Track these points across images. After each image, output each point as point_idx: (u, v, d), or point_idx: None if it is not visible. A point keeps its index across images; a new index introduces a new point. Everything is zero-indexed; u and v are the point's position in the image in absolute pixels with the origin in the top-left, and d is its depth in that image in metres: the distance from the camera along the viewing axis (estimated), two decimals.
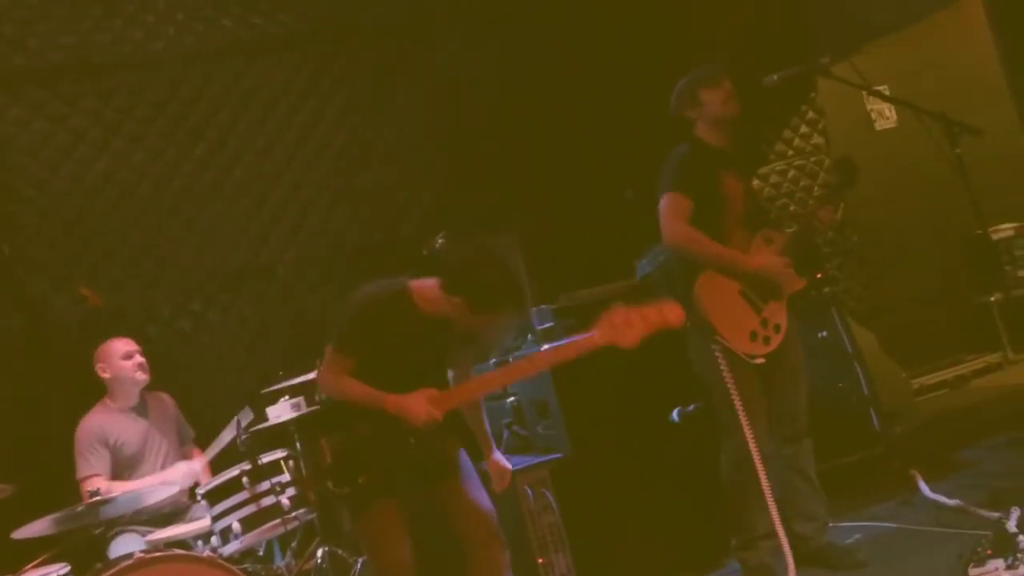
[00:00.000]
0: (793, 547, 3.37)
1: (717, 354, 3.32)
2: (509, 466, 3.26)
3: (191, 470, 4.18)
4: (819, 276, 4.63)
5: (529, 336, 4.25)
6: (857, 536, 3.72)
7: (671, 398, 3.92)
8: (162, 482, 4.01)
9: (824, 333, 4.51)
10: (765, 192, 6.05)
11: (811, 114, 6.23)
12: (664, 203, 3.41)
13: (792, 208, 6.11)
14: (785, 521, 3.39)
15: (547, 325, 4.16)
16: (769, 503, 3.28)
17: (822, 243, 5.85)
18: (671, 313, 2.73)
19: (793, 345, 3.50)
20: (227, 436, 4.07)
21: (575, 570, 3.73)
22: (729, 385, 3.29)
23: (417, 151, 5.54)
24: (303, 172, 5.32)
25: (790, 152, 6.21)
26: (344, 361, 2.97)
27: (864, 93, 5.88)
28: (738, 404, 3.28)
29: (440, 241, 4.38)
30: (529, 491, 3.71)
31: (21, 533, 3.46)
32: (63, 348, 4.62)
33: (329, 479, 3.03)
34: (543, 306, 4.22)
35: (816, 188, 6.14)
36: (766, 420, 3.41)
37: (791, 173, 6.21)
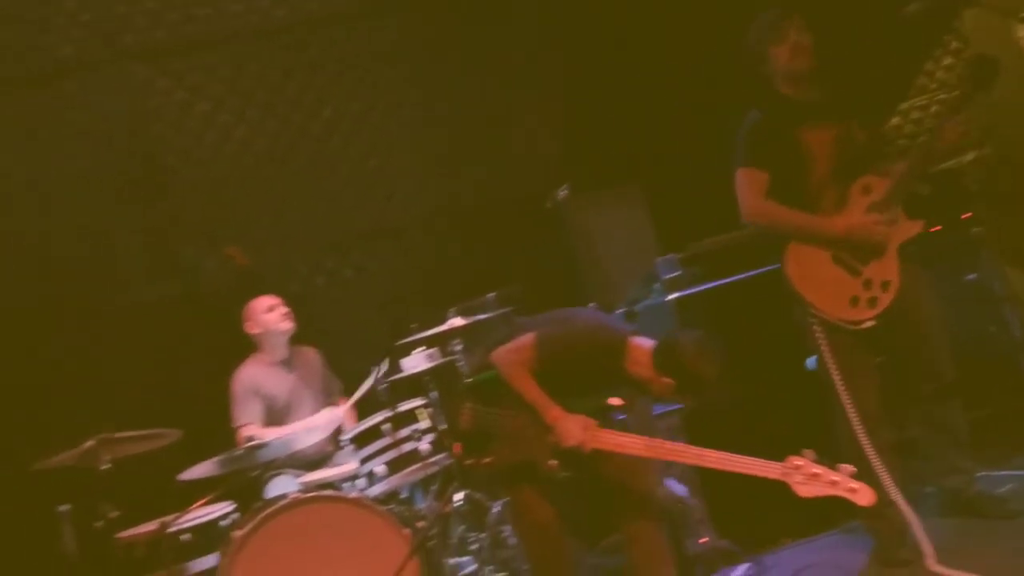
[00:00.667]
0: (946, 501, 3.35)
1: (815, 327, 3.25)
2: None
3: (333, 415, 4.42)
4: (933, 226, 4.14)
5: (656, 285, 4.32)
6: (1010, 486, 3.65)
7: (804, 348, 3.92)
8: (307, 427, 4.28)
9: (973, 275, 4.38)
10: (906, 129, 5.84)
11: (955, 44, 5.96)
12: (737, 180, 3.33)
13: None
14: (937, 477, 3.37)
15: (674, 274, 4.20)
16: (881, 475, 3.16)
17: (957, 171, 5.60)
18: (861, 496, 2.75)
19: (915, 298, 3.30)
20: (367, 386, 4.34)
21: (709, 517, 3.83)
22: (828, 360, 3.22)
23: (538, 106, 5.63)
24: (427, 132, 5.51)
25: (932, 86, 5.96)
26: (532, 360, 3.19)
27: (1014, 21, 5.56)
28: (838, 381, 3.20)
29: (562, 193, 4.49)
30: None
31: (188, 475, 3.82)
32: (215, 306, 5.01)
33: (460, 443, 3.26)
34: (669, 255, 4.27)
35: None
36: (875, 391, 3.30)
37: (933, 108, 5.97)
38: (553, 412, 3.14)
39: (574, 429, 3.10)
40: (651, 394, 3.21)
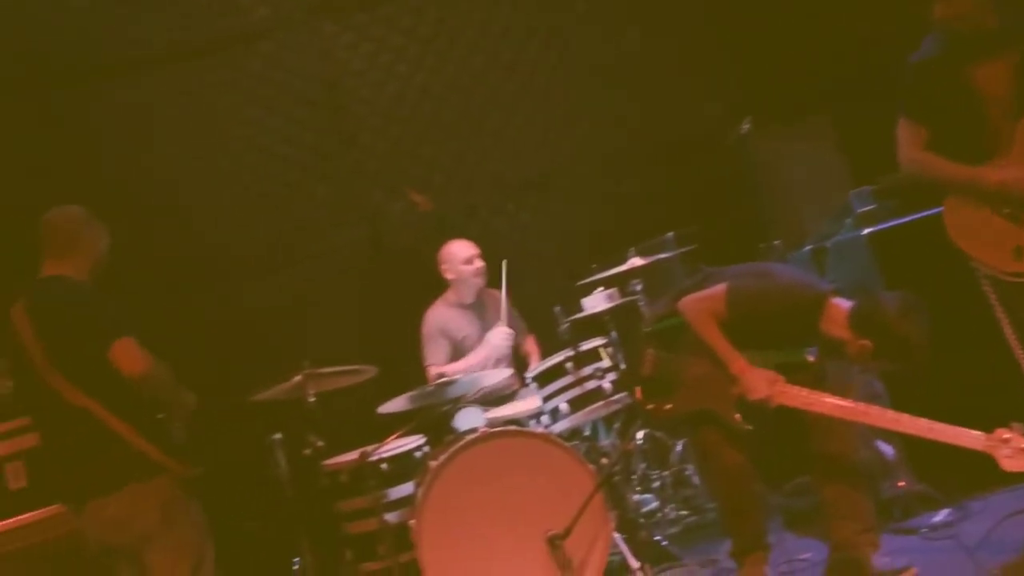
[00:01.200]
0: None
1: (983, 280, 3.11)
2: None
3: (505, 332, 4.53)
4: None
5: (847, 220, 4.21)
6: None
7: None
8: (486, 354, 4.49)
9: None
10: None
11: None
12: (898, 130, 3.19)
13: None
14: None
15: (867, 208, 4.08)
16: None
17: None
18: None
19: None
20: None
21: (906, 461, 3.76)
22: (1000, 317, 3.09)
23: (718, 39, 5.52)
24: (607, 70, 5.51)
25: None
26: (722, 311, 3.19)
27: None
28: (1012, 340, 3.08)
29: (745, 127, 4.42)
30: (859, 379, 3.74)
31: (386, 408, 4.10)
32: (400, 249, 5.30)
33: (640, 387, 3.31)
34: (862, 188, 4.14)
35: None
36: None
37: None
38: (739, 364, 3.15)
39: (760, 383, 3.10)
40: (846, 356, 3.13)
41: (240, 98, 5.25)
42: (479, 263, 4.66)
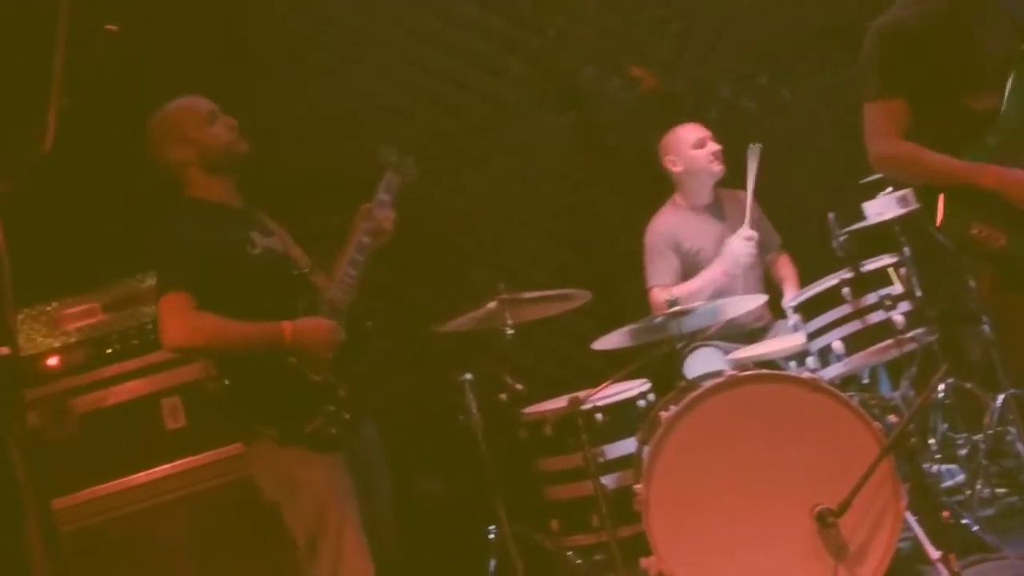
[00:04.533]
0: None
1: None
2: None
3: (747, 236, 4.40)
4: None
5: None
6: None
7: None
8: (722, 270, 4.39)
9: None
10: None
11: None
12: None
13: None
14: None
15: None
16: None
17: None
18: None
19: None
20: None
21: None
22: None
23: None
24: None
25: None
26: None
27: None
28: None
29: None
30: None
31: (601, 344, 4.09)
32: (616, 141, 5.20)
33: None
34: None
35: None
36: None
37: None
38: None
39: None
40: None
41: None
42: (713, 145, 4.59)
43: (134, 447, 3.94)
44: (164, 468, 3.94)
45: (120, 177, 4.15)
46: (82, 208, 4.25)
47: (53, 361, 3.94)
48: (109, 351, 3.99)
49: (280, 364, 3.09)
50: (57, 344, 3.97)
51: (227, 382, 3.17)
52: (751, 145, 4.43)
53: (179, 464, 3.95)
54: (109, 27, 2.24)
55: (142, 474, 3.93)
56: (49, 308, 3.96)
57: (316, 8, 4.97)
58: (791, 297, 4.18)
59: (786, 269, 4.73)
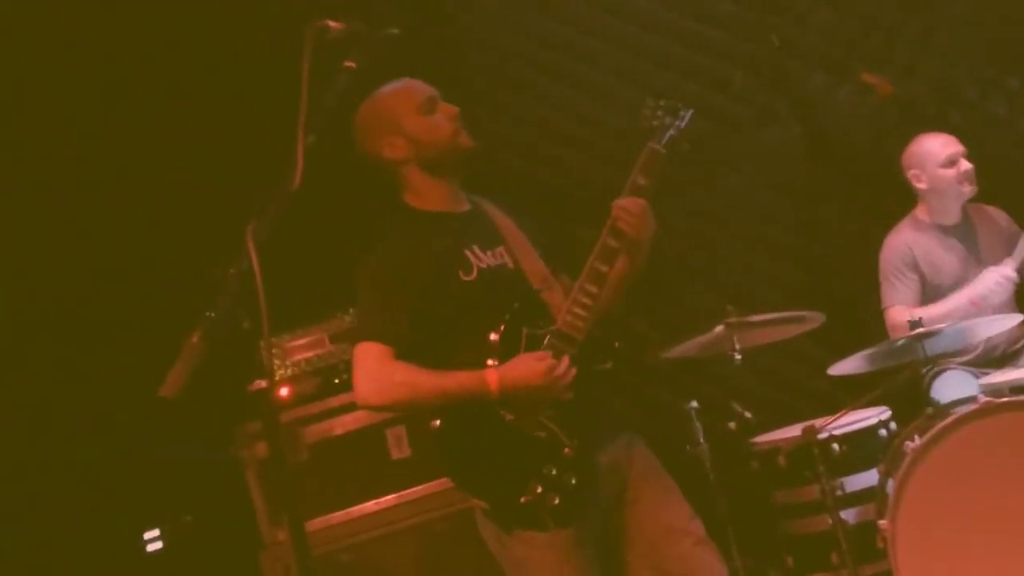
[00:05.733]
0: None
1: None
2: None
3: (1003, 275, 4.31)
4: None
5: None
6: None
7: None
8: (970, 298, 4.30)
9: None
10: None
11: None
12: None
13: None
14: None
15: None
16: None
17: None
18: None
19: None
20: None
21: None
22: None
23: None
24: None
25: None
26: None
27: None
28: None
29: None
30: None
31: (838, 369, 4.09)
32: (848, 153, 5.16)
33: None
34: None
35: None
36: None
37: None
38: None
39: None
40: None
41: None
42: (965, 165, 4.44)
43: (361, 476, 4.19)
44: (391, 498, 4.18)
45: (347, 206, 4.44)
46: (309, 240, 4.51)
47: (284, 391, 4.24)
48: (336, 381, 4.25)
49: (491, 419, 2.77)
50: (288, 374, 4.28)
51: (437, 423, 2.82)
52: None
53: (406, 494, 4.18)
54: (348, 63, 2.45)
55: (371, 503, 4.17)
56: (280, 339, 4.26)
57: (536, 31, 5.20)
58: None
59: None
